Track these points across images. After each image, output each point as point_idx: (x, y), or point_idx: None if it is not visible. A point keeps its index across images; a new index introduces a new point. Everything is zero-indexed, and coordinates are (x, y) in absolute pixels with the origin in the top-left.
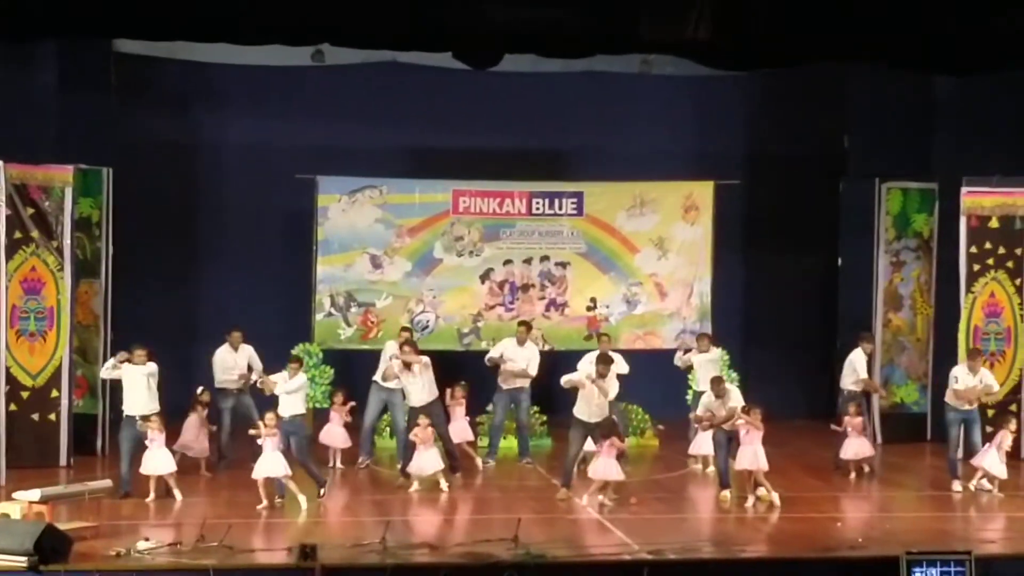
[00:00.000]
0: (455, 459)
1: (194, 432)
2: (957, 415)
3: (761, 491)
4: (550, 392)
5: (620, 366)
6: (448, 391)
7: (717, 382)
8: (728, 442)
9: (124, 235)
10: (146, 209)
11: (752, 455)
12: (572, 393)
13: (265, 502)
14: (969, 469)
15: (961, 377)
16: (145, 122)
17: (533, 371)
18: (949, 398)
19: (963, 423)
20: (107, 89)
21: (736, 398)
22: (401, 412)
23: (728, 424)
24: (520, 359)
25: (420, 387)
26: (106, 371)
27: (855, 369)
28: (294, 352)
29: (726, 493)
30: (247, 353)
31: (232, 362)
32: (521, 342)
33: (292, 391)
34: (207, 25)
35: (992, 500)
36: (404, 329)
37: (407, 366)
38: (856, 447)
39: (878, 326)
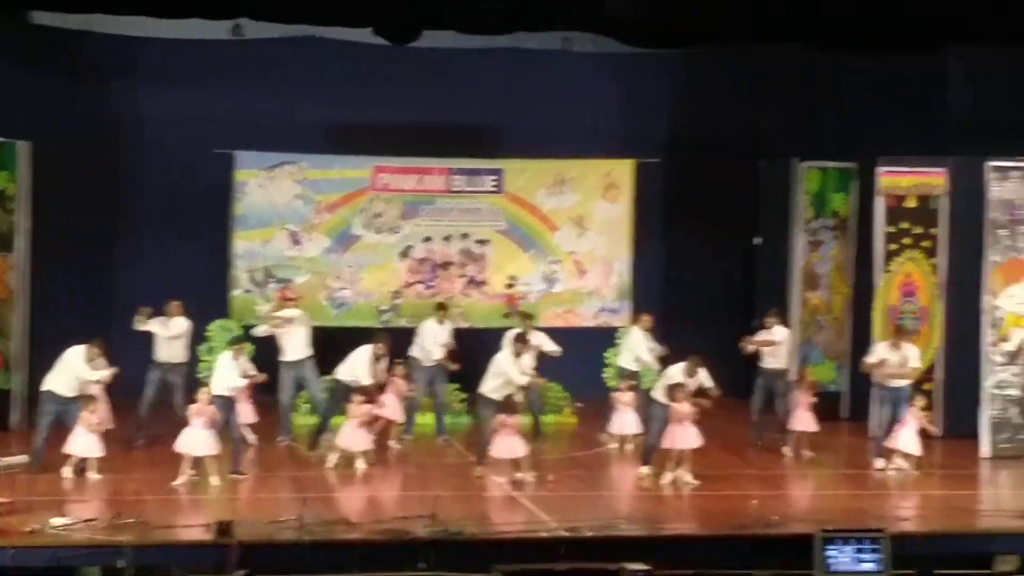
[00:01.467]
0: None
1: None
2: (885, 393)
3: (687, 475)
4: (468, 370)
5: (549, 346)
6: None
7: (695, 361)
8: (666, 419)
9: (41, 209)
10: (63, 183)
11: (686, 434)
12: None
13: (183, 478)
14: (887, 449)
15: (879, 351)
16: (62, 95)
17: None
18: (876, 376)
19: (889, 401)
20: (23, 62)
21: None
22: (317, 387)
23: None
24: (444, 338)
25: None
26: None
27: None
28: (210, 331)
29: (646, 469)
30: (181, 326)
31: (164, 333)
32: (440, 322)
33: (235, 374)
34: None
35: (907, 478)
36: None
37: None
38: (805, 421)
39: (795, 305)
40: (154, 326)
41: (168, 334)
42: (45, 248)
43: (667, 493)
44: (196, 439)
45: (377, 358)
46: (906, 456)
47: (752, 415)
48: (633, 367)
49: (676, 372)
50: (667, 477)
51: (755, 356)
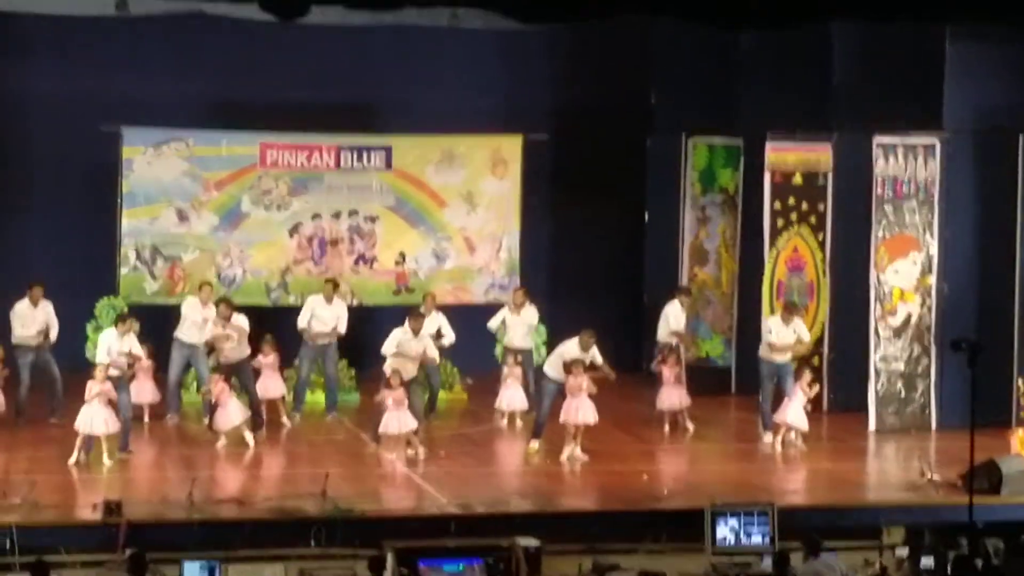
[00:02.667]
0: (259, 417)
1: None
2: (771, 367)
3: (577, 450)
4: (359, 347)
5: (446, 330)
6: (261, 348)
7: (589, 335)
8: (557, 394)
9: None
10: None
11: (580, 408)
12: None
13: (76, 456)
14: (775, 424)
15: (775, 328)
16: None
17: (342, 329)
18: (763, 351)
19: (776, 376)
20: None
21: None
22: (205, 367)
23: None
24: (329, 317)
25: (232, 346)
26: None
27: (669, 321)
28: (103, 309)
29: (535, 444)
30: (46, 309)
31: (31, 318)
32: (328, 300)
33: (124, 351)
34: None
35: (796, 452)
36: (206, 284)
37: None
38: (675, 398)
39: (684, 280)
40: (20, 314)
41: (37, 319)
42: None
43: (557, 469)
44: (93, 416)
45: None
46: (795, 431)
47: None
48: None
49: (572, 347)
50: (565, 452)
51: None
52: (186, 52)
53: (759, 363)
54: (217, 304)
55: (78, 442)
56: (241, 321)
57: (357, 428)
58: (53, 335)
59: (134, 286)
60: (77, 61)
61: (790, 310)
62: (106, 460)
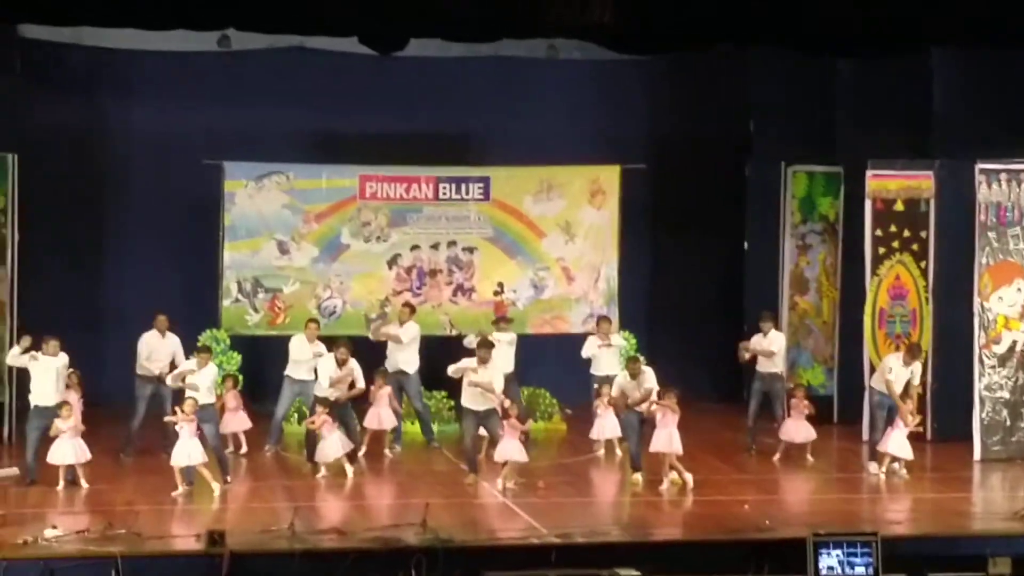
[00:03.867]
0: (357, 447)
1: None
2: (884, 399)
3: (674, 475)
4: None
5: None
6: (374, 379)
7: (633, 362)
8: (641, 425)
9: (31, 222)
10: (53, 195)
11: (667, 438)
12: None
13: (181, 488)
14: (879, 454)
15: (895, 368)
16: (51, 108)
17: (406, 340)
18: (875, 381)
19: (888, 408)
20: (12, 75)
21: (651, 380)
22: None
23: (643, 406)
24: (404, 337)
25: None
26: (12, 359)
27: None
28: (202, 341)
29: (638, 476)
30: (173, 341)
31: (159, 349)
32: (402, 324)
33: (206, 384)
34: (112, 10)
35: (899, 481)
36: (311, 321)
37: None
38: (800, 430)
39: (784, 309)
40: (148, 345)
41: (162, 350)
42: (34, 261)
43: (657, 498)
44: (185, 449)
45: (339, 364)
46: (899, 460)
47: (748, 420)
48: (611, 372)
49: (622, 378)
50: (664, 483)
51: (750, 360)
52: (286, 86)
53: (869, 392)
54: (335, 347)
55: (177, 475)
56: (354, 364)
57: (456, 458)
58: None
59: (236, 318)
60: (180, 96)
61: (913, 353)
62: (215, 488)
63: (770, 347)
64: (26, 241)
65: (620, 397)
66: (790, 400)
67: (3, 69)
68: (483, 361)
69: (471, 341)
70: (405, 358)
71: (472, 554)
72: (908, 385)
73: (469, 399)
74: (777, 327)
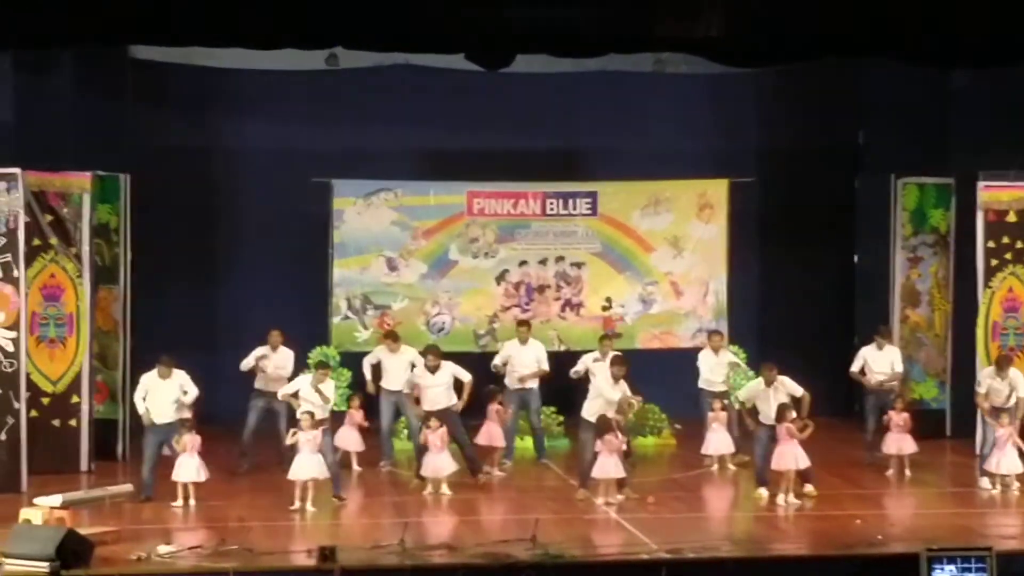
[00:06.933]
0: (474, 462)
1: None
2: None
3: (808, 487)
4: (566, 392)
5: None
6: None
7: (769, 370)
8: (769, 440)
9: (142, 241)
10: (164, 214)
11: (792, 456)
12: (586, 393)
13: (298, 503)
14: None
15: (986, 382)
16: (162, 128)
17: (545, 366)
18: (980, 401)
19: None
20: (124, 95)
21: (792, 386)
22: (413, 414)
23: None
24: (527, 359)
25: (436, 392)
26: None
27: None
28: (316, 358)
29: (762, 491)
30: (286, 355)
31: (269, 362)
32: (523, 341)
33: (328, 400)
34: (221, 30)
35: (1012, 496)
36: (390, 332)
37: (432, 370)
38: (900, 443)
39: (896, 323)
40: (260, 359)
41: (273, 366)
42: (147, 279)
43: (768, 514)
44: (305, 463)
45: (432, 371)
46: (1012, 476)
47: (866, 434)
48: (717, 388)
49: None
50: (779, 496)
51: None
52: (394, 103)
53: (979, 408)
54: (425, 352)
55: (296, 491)
56: (450, 369)
57: (566, 474)
58: (285, 381)
59: (346, 335)
60: (288, 115)
61: (1003, 363)
62: (310, 507)
63: (887, 361)
64: (139, 260)
65: (787, 409)
66: (889, 413)
67: (115, 90)
68: (616, 378)
69: (578, 371)
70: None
71: (582, 569)
72: (1014, 398)
73: (593, 412)
74: (891, 341)
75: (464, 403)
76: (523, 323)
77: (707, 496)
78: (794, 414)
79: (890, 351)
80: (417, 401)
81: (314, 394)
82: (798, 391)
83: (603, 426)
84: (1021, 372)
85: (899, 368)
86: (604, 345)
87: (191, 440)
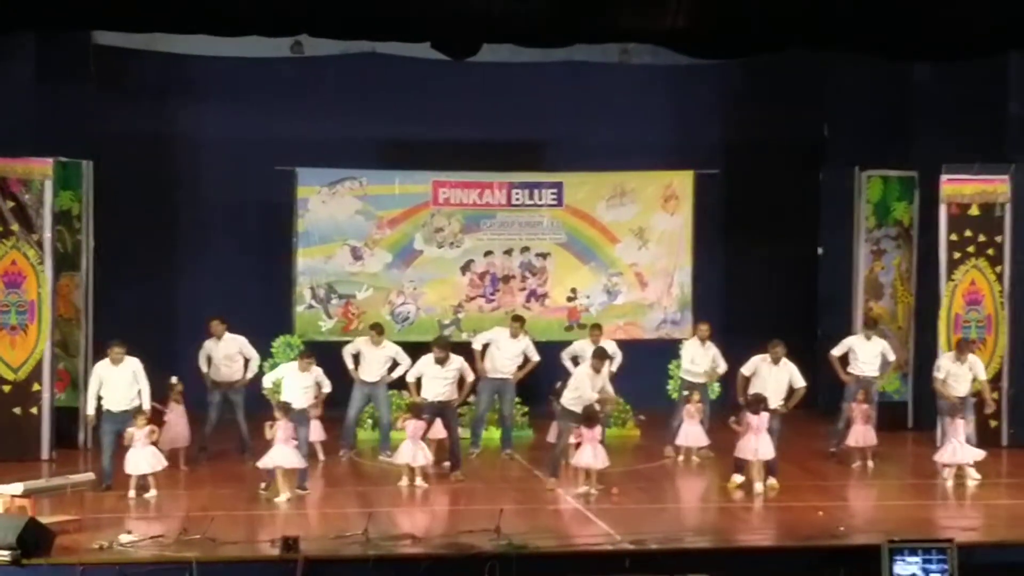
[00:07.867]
0: (457, 460)
1: (181, 424)
2: (941, 404)
3: (771, 480)
4: (530, 384)
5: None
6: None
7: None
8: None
9: (104, 228)
10: (126, 202)
11: (752, 449)
12: (552, 384)
13: (287, 495)
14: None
15: (944, 366)
16: (125, 115)
17: (535, 356)
18: (937, 386)
19: (947, 413)
20: (86, 81)
21: (796, 375)
22: (386, 407)
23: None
24: (513, 351)
25: (443, 384)
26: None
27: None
28: (275, 347)
29: (737, 477)
30: (238, 343)
31: (215, 353)
32: (514, 335)
33: (307, 386)
34: (185, 17)
35: (973, 488)
36: (376, 325)
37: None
38: (863, 435)
39: (858, 315)
40: (207, 350)
41: (222, 354)
42: (108, 267)
43: (731, 505)
44: (280, 453)
45: (440, 363)
46: (969, 466)
47: (839, 423)
48: (698, 379)
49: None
50: (757, 487)
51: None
52: (359, 92)
53: (937, 399)
54: (434, 344)
55: (280, 479)
56: (459, 364)
57: (531, 465)
58: (253, 367)
59: (310, 324)
60: (253, 102)
61: (963, 348)
62: (281, 497)
63: (875, 352)
64: (100, 248)
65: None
66: (852, 405)
67: (77, 76)
68: (596, 370)
69: (573, 352)
70: (507, 365)
71: (546, 560)
72: (977, 382)
73: (574, 402)
74: (879, 333)
75: (461, 400)
76: (517, 318)
77: (671, 487)
78: (773, 407)
79: (877, 342)
80: (417, 389)
81: (305, 379)
82: (799, 382)
83: (591, 416)
84: (950, 357)
85: (891, 358)
86: (593, 335)
87: (140, 433)
